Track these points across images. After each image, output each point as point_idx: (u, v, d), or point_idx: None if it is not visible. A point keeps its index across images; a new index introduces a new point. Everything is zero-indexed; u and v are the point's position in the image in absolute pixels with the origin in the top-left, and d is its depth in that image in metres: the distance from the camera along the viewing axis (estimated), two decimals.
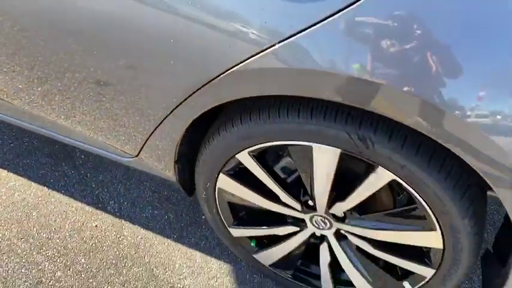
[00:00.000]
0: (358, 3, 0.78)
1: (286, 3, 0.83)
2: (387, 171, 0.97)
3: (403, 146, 0.93)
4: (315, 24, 0.81)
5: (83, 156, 1.82)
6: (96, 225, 1.61)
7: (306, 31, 0.82)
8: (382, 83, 0.80)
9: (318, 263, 1.37)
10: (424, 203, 0.99)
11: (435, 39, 0.78)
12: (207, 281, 1.49)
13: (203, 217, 1.65)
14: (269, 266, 1.43)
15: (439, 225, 1.02)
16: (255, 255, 1.42)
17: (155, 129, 1.21)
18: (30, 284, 1.45)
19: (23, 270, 1.48)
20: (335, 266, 1.33)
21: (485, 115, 0.78)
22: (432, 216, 1.01)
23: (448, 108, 0.78)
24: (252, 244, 1.40)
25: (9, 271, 1.47)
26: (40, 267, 1.49)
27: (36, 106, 1.47)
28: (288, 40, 0.84)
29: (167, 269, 1.51)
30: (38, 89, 1.44)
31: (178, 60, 0.98)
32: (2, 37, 1.29)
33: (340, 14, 0.79)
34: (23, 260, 1.50)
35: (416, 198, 1.00)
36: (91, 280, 1.47)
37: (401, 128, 0.91)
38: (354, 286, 1.34)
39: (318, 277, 1.40)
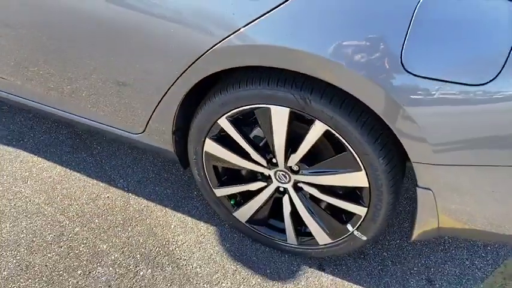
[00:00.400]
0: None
1: None
2: (322, 122, 1.36)
3: (330, 102, 1.32)
4: (266, 14, 1.23)
5: (99, 147, 2.21)
6: (108, 196, 1.97)
7: (263, 17, 1.24)
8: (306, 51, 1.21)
9: (283, 220, 1.72)
10: (349, 146, 1.37)
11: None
12: (196, 238, 1.83)
13: (195, 193, 2.01)
14: (246, 222, 1.78)
15: (363, 165, 1.39)
16: (234, 214, 1.77)
17: (157, 106, 1.61)
18: (54, 235, 1.80)
19: (48, 226, 1.84)
20: (296, 219, 1.68)
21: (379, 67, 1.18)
22: (357, 157, 1.38)
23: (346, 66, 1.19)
24: (232, 202, 1.76)
25: (37, 226, 1.83)
26: (62, 224, 1.85)
27: (64, 99, 1.87)
28: (250, 24, 1.25)
29: (164, 228, 1.86)
30: (68, 87, 1.86)
31: (176, 45, 1.40)
32: (40, 47, 1.71)
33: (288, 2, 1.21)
34: (49, 219, 1.86)
35: (344, 144, 1.37)
36: (102, 234, 1.82)
37: (329, 90, 1.31)
38: (313, 236, 1.68)
39: (284, 231, 1.74)
